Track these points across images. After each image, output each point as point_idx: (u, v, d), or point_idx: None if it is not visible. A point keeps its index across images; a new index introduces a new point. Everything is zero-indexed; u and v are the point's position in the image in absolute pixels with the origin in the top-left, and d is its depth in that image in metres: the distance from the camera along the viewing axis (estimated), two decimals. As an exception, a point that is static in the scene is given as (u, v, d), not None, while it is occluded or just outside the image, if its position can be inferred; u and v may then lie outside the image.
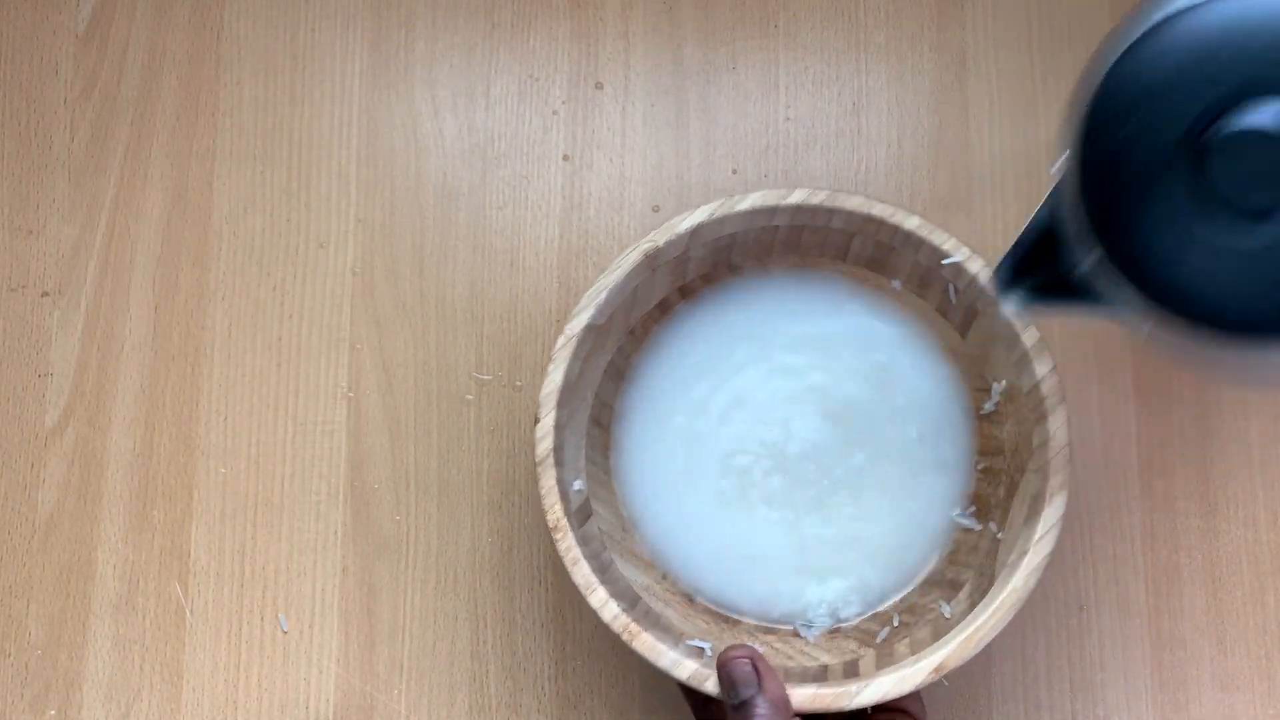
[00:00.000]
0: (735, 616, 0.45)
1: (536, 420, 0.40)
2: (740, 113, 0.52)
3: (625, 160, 0.51)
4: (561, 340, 0.40)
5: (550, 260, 0.51)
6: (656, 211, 0.51)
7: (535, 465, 0.39)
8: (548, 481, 0.39)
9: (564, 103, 0.52)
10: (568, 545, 0.39)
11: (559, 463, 0.40)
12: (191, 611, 0.49)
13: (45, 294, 0.51)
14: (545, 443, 0.40)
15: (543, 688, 0.48)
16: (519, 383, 0.50)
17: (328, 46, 0.52)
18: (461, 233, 0.51)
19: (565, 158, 0.51)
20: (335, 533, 0.49)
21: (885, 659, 0.41)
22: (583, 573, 0.38)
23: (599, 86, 0.52)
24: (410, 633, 0.48)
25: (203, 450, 0.50)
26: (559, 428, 0.40)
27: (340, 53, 0.52)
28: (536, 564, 0.49)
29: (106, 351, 0.50)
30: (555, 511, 0.39)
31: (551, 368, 0.40)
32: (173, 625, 0.49)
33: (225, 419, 0.50)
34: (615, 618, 0.38)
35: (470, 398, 0.50)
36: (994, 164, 0.51)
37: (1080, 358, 0.50)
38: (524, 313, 0.50)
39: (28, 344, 0.50)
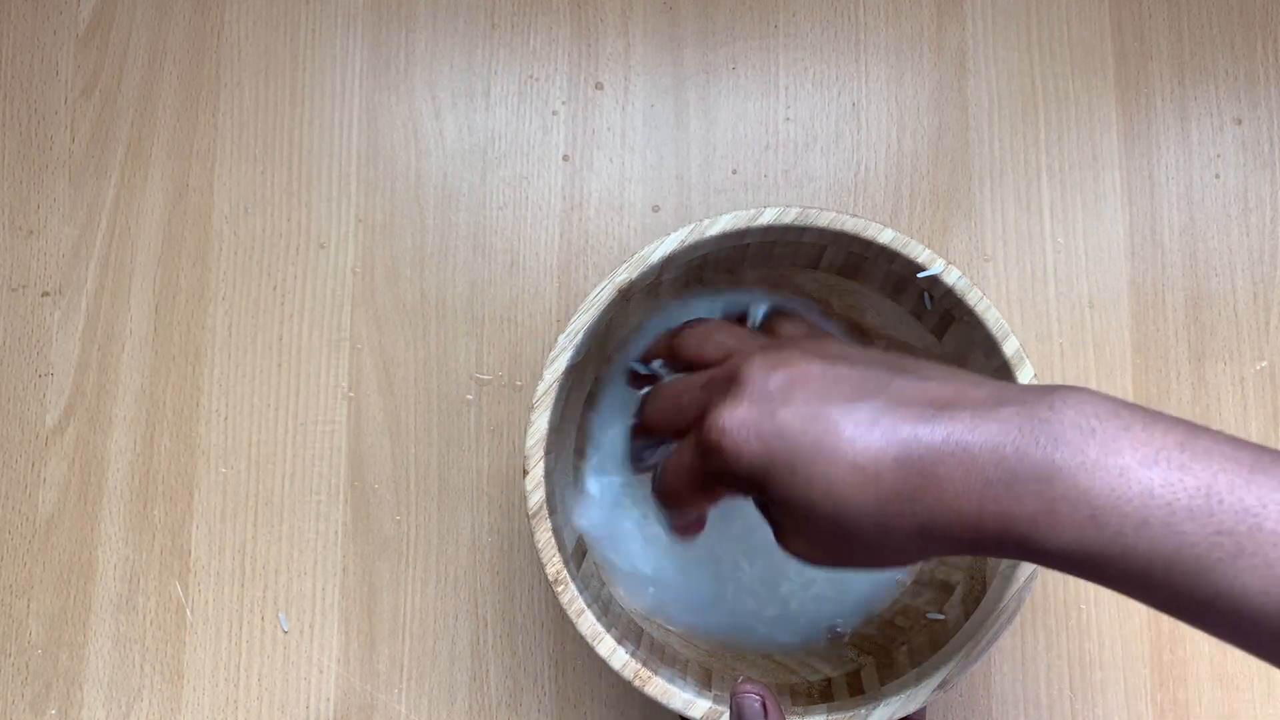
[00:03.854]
0: (732, 642, 0.44)
1: (525, 472, 0.39)
2: (740, 113, 0.52)
3: (625, 160, 0.51)
4: (542, 386, 0.39)
5: (550, 260, 0.51)
6: (656, 212, 0.51)
7: (528, 518, 0.38)
8: (543, 535, 0.38)
9: (564, 103, 0.52)
10: (570, 597, 0.38)
11: (552, 510, 0.39)
12: (192, 611, 0.49)
13: (46, 294, 0.51)
14: (537, 495, 0.38)
15: (543, 688, 0.48)
16: (519, 383, 0.50)
17: (328, 46, 0.52)
18: (461, 233, 0.51)
19: (565, 158, 0.51)
20: (335, 532, 0.49)
21: (885, 669, 0.41)
22: (588, 623, 0.38)
23: (599, 86, 0.52)
24: (410, 633, 0.48)
25: (203, 450, 0.50)
26: (548, 475, 0.39)
27: (340, 53, 0.52)
28: (536, 564, 0.49)
29: (107, 351, 0.50)
30: (555, 564, 0.38)
31: (535, 415, 0.39)
32: (173, 625, 0.49)
33: (225, 419, 0.50)
34: (625, 664, 0.38)
35: (470, 398, 0.50)
36: (994, 164, 0.51)
37: (1080, 358, 0.50)
38: (524, 313, 0.50)
39: (28, 344, 0.50)
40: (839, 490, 0.30)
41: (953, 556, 0.43)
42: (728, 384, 0.33)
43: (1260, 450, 0.28)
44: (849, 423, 0.30)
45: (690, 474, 0.34)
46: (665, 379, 0.42)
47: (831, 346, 0.34)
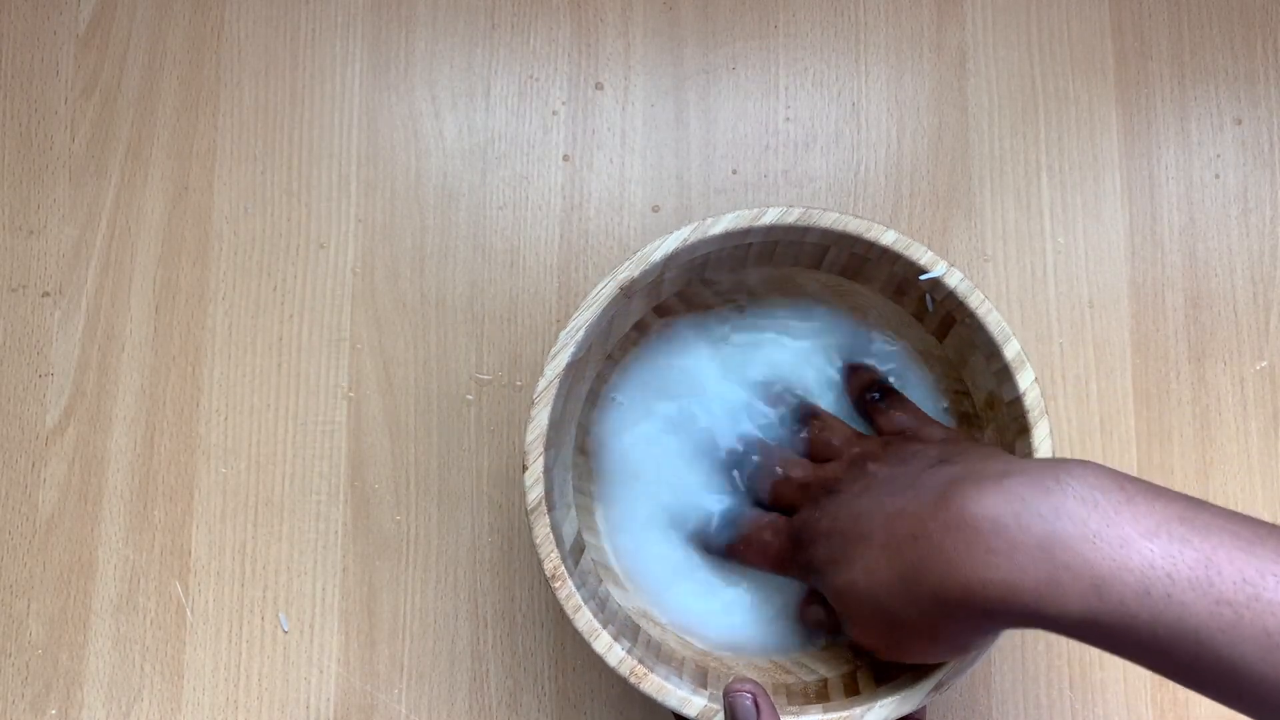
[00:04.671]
0: (725, 646, 0.44)
1: (525, 467, 0.39)
2: (740, 113, 0.52)
3: (625, 160, 0.51)
4: (543, 382, 0.39)
5: (550, 260, 0.51)
6: (656, 211, 0.51)
7: (527, 513, 0.39)
8: (541, 530, 0.38)
9: (564, 103, 0.52)
10: (568, 593, 0.38)
11: (550, 506, 0.39)
12: (192, 611, 0.49)
13: (46, 294, 0.51)
14: (535, 490, 0.39)
15: (543, 688, 0.48)
16: (519, 383, 0.50)
17: (328, 46, 0.52)
18: (461, 233, 0.51)
19: (565, 158, 0.51)
20: (335, 532, 0.49)
21: (882, 670, 0.41)
22: (585, 619, 0.38)
23: (599, 86, 0.52)
24: (410, 633, 0.48)
25: (203, 450, 0.50)
26: (547, 471, 0.39)
27: (340, 52, 0.52)
28: (536, 564, 0.49)
29: (107, 351, 0.50)
30: (552, 560, 0.38)
31: (535, 411, 0.39)
32: (173, 625, 0.49)
33: (225, 419, 0.50)
34: (621, 661, 0.38)
35: (470, 398, 0.50)
36: (994, 164, 0.51)
37: (1080, 358, 0.50)
38: (524, 313, 0.50)
39: (28, 344, 0.50)
40: (871, 568, 0.34)
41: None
42: (821, 494, 0.40)
43: (1259, 524, 0.29)
44: (883, 515, 0.35)
45: (771, 554, 0.41)
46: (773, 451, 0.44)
47: (894, 447, 0.40)
